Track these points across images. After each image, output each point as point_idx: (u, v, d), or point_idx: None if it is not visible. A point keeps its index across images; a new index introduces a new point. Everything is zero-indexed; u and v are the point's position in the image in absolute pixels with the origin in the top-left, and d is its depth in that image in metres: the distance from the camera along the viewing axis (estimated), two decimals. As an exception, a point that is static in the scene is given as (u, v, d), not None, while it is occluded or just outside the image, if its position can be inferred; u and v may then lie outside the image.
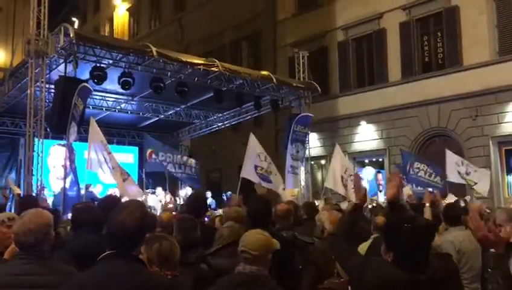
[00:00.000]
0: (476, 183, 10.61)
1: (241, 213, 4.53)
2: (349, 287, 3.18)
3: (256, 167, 10.17)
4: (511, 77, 13.18)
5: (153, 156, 12.02)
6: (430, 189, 10.39)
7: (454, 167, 10.62)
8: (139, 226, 2.27)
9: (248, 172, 10.12)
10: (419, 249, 2.44)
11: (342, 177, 11.76)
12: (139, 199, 9.69)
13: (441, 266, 2.46)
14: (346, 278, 3.00)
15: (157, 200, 13.20)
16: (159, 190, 13.86)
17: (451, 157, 10.81)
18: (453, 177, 10.76)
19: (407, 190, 9.74)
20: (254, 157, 10.28)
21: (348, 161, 12.52)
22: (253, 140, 10.38)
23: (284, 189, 10.99)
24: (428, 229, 2.63)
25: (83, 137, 9.91)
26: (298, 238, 4.30)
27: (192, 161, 12.83)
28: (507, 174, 13.70)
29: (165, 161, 12.15)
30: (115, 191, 10.04)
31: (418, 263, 2.40)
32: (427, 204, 5.43)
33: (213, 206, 14.29)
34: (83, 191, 9.14)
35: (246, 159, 10.22)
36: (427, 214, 5.19)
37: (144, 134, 15.44)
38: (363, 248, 4.17)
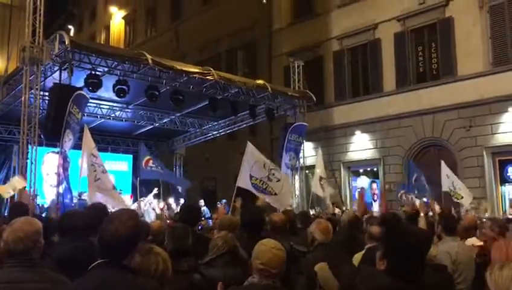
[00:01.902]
0: (462, 198, 10.64)
1: (235, 222, 4.51)
2: None
3: (251, 176, 10.09)
4: (504, 88, 13.27)
5: (150, 163, 11.92)
6: (425, 199, 10.42)
7: (446, 179, 10.66)
8: (132, 236, 2.27)
9: (243, 181, 10.04)
10: (417, 259, 2.43)
11: (321, 178, 12.02)
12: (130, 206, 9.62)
13: (434, 277, 2.45)
14: None
15: (150, 208, 13.14)
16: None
17: (445, 169, 10.86)
18: (446, 187, 10.80)
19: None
20: (250, 166, 10.18)
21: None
22: (250, 148, 10.27)
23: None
24: (427, 240, 2.64)
25: (77, 145, 9.87)
26: (294, 248, 4.28)
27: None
28: (501, 185, 13.73)
29: (161, 167, 12.16)
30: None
31: (412, 273, 2.40)
32: (422, 214, 5.45)
33: (207, 215, 14.24)
34: (75, 200, 9.08)
35: (241, 168, 10.13)
36: (422, 223, 5.20)
37: (139, 142, 15.35)
38: (357, 257, 4.15)
